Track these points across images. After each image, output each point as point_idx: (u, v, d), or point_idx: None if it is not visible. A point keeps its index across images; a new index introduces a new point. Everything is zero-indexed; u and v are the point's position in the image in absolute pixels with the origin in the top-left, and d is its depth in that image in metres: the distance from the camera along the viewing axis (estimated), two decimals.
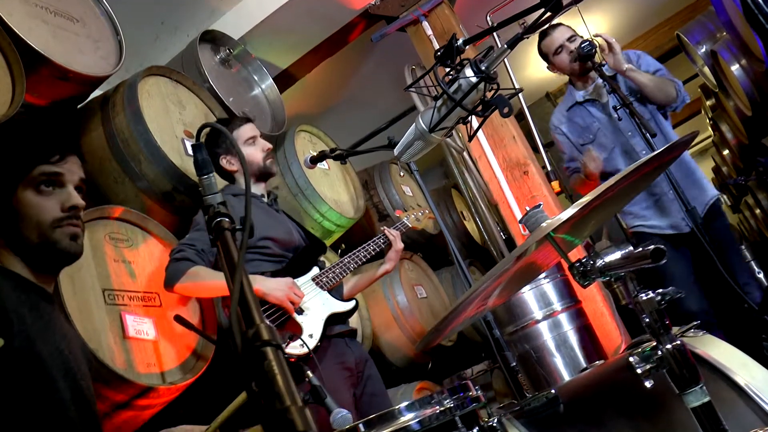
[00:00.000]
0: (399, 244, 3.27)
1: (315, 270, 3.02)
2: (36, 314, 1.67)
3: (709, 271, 3.18)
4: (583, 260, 1.33)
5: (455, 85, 1.42)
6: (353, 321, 3.87)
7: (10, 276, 1.70)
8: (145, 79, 3.24)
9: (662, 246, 1.08)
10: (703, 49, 5.49)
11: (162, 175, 3.06)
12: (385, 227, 3.31)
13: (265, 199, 3.13)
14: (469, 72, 1.40)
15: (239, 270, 0.80)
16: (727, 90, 5.66)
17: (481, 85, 1.39)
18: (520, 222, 1.39)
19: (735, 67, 5.02)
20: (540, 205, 1.44)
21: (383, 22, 4.67)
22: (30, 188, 1.74)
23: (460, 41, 1.45)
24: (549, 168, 4.35)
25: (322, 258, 3.24)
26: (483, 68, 1.38)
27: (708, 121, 7.99)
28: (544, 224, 1.41)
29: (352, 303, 3.04)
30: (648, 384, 1.12)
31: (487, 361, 4.38)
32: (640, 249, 1.15)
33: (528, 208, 1.46)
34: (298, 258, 3.01)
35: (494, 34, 4.57)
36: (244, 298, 0.77)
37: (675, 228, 3.50)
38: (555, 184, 4.30)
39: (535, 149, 4.84)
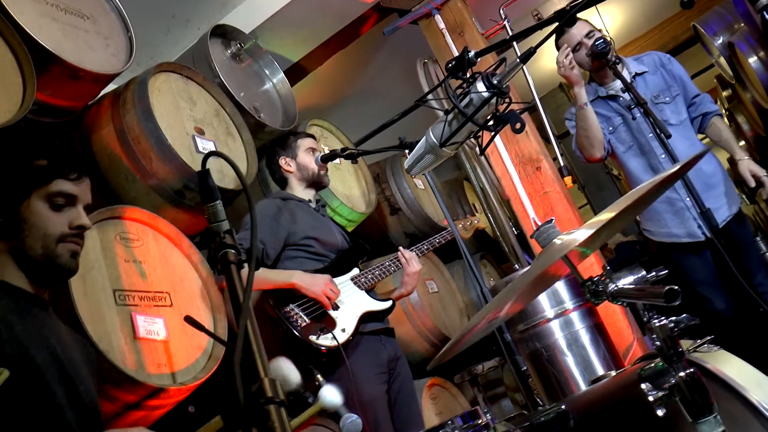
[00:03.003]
0: (412, 267, 3.30)
1: (355, 270, 3.23)
2: (27, 321, 1.67)
3: (728, 274, 3.15)
4: (596, 279, 1.31)
5: (467, 99, 1.39)
6: None
7: None
8: (156, 76, 3.22)
9: (676, 287, 1.05)
10: (720, 41, 5.41)
11: (173, 173, 3.05)
12: (401, 248, 3.36)
13: (313, 205, 3.37)
14: (480, 86, 1.37)
15: (244, 313, 0.78)
16: (744, 82, 5.58)
17: (493, 100, 1.37)
18: (531, 237, 1.37)
19: (753, 60, 4.94)
20: (552, 220, 1.42)
21: (395, 15, 4.63)
22: (44, 200, 1.76)
23: (472, 53, 1.42)
24: (562, 162, 4.30)
25: None
26: (495, 82, 1.36)
27: (724, 111, 7.89)
28: (557, 241, 1.39)
29: (389, 303, 3.22)
30: (660, 412, 1.10)
31: (498, 357, 4.36)
32: (654, 274, 1.13)
33: (540, 223, 1.44)
34: (340, 258, 3.22)
35: (507, 26, 4.52)
36: (248, 347, 0.75)
37: (691, 236, 3.45)
38: (568, 179, 4.25)
39: (547, 140, 4.80)
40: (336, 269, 3.15)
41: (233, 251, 1.00)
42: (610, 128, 3.64)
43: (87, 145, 3.11)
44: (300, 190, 3.40)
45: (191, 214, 3.19)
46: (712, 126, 3.68)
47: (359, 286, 3.16)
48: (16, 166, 1.78)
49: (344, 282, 3.13)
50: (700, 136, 3.82)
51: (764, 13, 1.16)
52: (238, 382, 0.70)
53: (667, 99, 3.55)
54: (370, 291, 3.20)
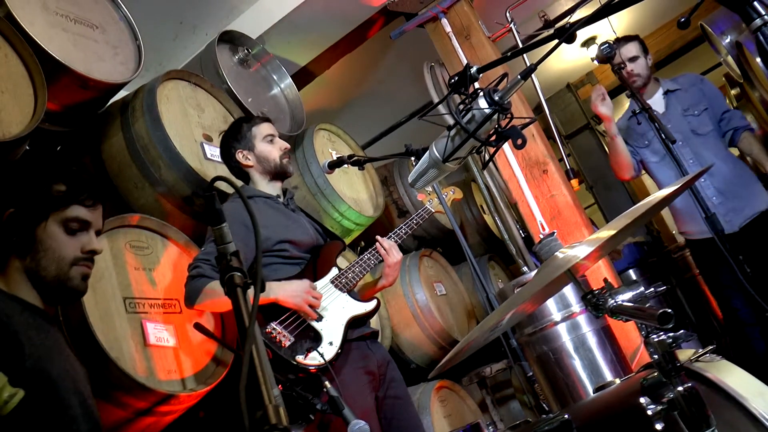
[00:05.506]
0: (392, 258, 3.06)
1: (334, 271, 2.98)
2: (43, 336, 1.74)
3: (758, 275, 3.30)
4: (596, 293, 1.33)
5: (469, 115, 1.41)
6: (373, 321, 3.90)
7: (15, 300, 1.77)
8: (164, 84, 3.25)
9: (669, 310, 1.07)
10: (728, 40, 5.39)
11: (181, 180, 3.08)
12: (378, 237, 3.13)
13: (281, 199, 3.11)
14: (482, 102, 1.39)
15: (250, 339, 0.80)
16: (752, 80, 5.57)
17: (495, 116, 1.39)
18: (532, 251, 1.40)
19: (760, 58, 4.93)
20: (554, 233, 1.44)
21: (402, 19, 4.65)
22: (59, 224, 1.84)
23: (474, 69, 1.44)
24: (568, 164, 4.31)
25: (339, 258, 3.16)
26: (497, 99, 1.38)
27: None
28: (559, 254, 1.41)
29: (373, 303, 2.98)
30: (659, 426, 1.12)
31: (506, 359, 4.38)
32: (652, 290, 1.15)
33: (542, 236, 1.46)
34: (316, 259, 2.98)
35: (514, 30, 4.53)
36: (254, 373, 0.77)
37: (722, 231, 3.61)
38: (574, 182, 4.27)
39: (553, 139, 4.81)
40: (314, 272, 2.93)
41: (239, 274, 1.02)
42: (646, 142, 3.98)
43: (96, 154, 3.14)
44: (264, 185, 3.09)
45: (200, 221, 3.22)
46: (743, 140, 4.02)
47: (340, 289, 2.92)
48: (36, 189, 1.85)
49: (325, 286, 2.90)
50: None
51: (759, 34, 1.17)
52: (244, 408, 0.72)
53: (696, 113, 3.91)
54: (352, 291, 2.97)
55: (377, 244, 3.08)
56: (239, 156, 3.07)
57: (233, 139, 3.10)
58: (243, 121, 3.17)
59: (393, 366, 3.03)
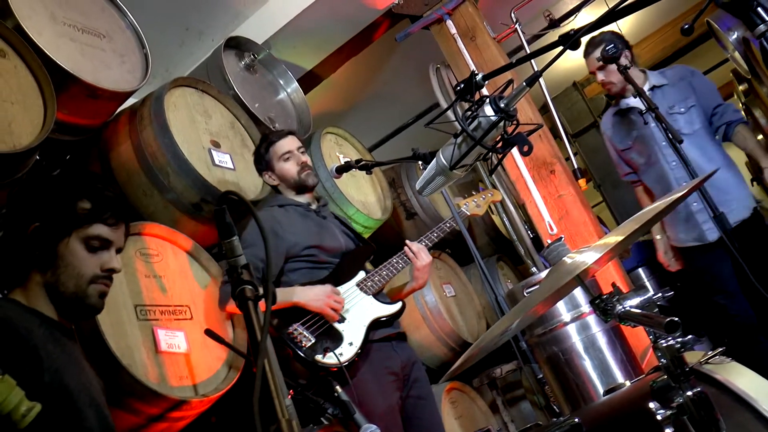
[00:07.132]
0: (421, 261, 3.10)
1: (361, 274, 3.08)
2: (60, 349, 1.76)
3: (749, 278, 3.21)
4: (605, 297, 1.34)
5: (475, 123, 1.42)
6: None
7: (35, 313, 1.80)
8: (171, 91, 3.27)
9: (677, 319, 1.08)
10: (735, 36, 5.36)
11: (190, 187, 3.09)
12: (407, 241, 3.18)
13: (313, 207, 3.23)
14: (488, 110, 1.40)
15: (262, 353, 0.80)
16: (759, 76, 5.55)
17: (501, 123, 1.40)
18: (540, 255, 1.40)
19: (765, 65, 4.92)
20: (561, 238, 1.45)
21: (407, 21, 4.67)
22: (81, 241, 1.85)
23: (480, 76, 1.45)
24: (575, 164, 4.31)
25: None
26: (502, 106, 1.39)
27: (740, 105, 7.83)
28: (567, 259, 1.41)
29: (398, 305, 3.05)
30: (668, 431, 1.13)
31: (516, 360, 4.37)
32: (660, 295, 1.16)
33: (549, 241, 1.46)
34: (343, 264, 3.09)
35: (519, 30, 4.53)
36: (266, 387, 0.78)
37: (699, 239, 3.55)
38: (582, 181, 4.27)
39: (559, 138, 4.81)
40: (341, 276, 3.03)
41: (250, 287, 1.03)
42: (629, 142, 3.86)
43: (105, 162, 3.16)
44: (293, 196, 3.23)
45: (209, 226, 3.23)
46: (737, 134, 3.82)
47: (366, 291, 3.01)
48: (62, 206, 1.87)
49: (350, 289, 3.00)
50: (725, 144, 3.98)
51: (763, 40, 1.18)
52: (258, 421, 0.73)
53: (682, 110, 3.72)
54: (378, 294, 3.05)
55: (405, 247, 3.15)
56: (265, 177, 3.27)
57: (257, 162, 3.29)
58: (262, 142, 3.31)
59: (418, 366, 3.11)
